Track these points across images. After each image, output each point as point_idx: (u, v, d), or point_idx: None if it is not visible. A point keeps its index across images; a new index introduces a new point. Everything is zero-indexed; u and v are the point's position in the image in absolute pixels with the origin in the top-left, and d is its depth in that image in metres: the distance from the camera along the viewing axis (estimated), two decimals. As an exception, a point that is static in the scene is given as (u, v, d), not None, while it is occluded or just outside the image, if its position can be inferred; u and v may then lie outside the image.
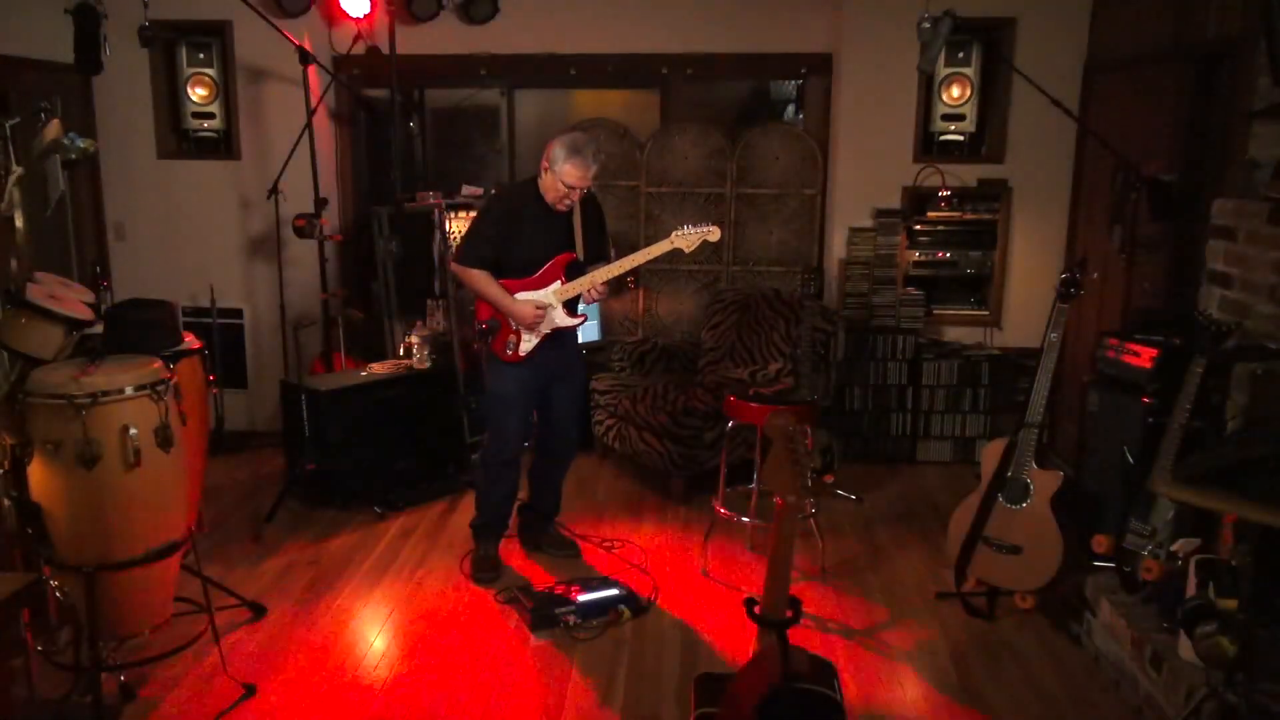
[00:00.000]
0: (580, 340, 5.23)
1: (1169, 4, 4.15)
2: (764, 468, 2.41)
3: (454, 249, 3.77)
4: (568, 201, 3.60)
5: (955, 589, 3.63)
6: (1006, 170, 5.14)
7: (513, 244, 3.66)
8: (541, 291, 3.68)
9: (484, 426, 3.93)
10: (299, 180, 4.81)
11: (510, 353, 3.71)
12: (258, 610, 3.53)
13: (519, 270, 3.68)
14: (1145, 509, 3.18)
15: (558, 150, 3.51)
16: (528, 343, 3.70)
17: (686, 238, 3.64)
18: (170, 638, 3.21)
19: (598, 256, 3.80)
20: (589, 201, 3.76)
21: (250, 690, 3.04)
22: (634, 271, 4.82)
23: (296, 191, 4.89)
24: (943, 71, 4.99)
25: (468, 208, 5.13)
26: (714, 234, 3.66)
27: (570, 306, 3.74)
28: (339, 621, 3.52)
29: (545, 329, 3.70)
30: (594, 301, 3.78)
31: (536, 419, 3.94)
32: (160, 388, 2.93)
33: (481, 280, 3.67)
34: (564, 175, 3.51)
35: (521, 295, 3.67)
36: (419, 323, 4.91)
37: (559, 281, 3.69)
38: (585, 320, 3.85)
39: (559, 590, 3.62)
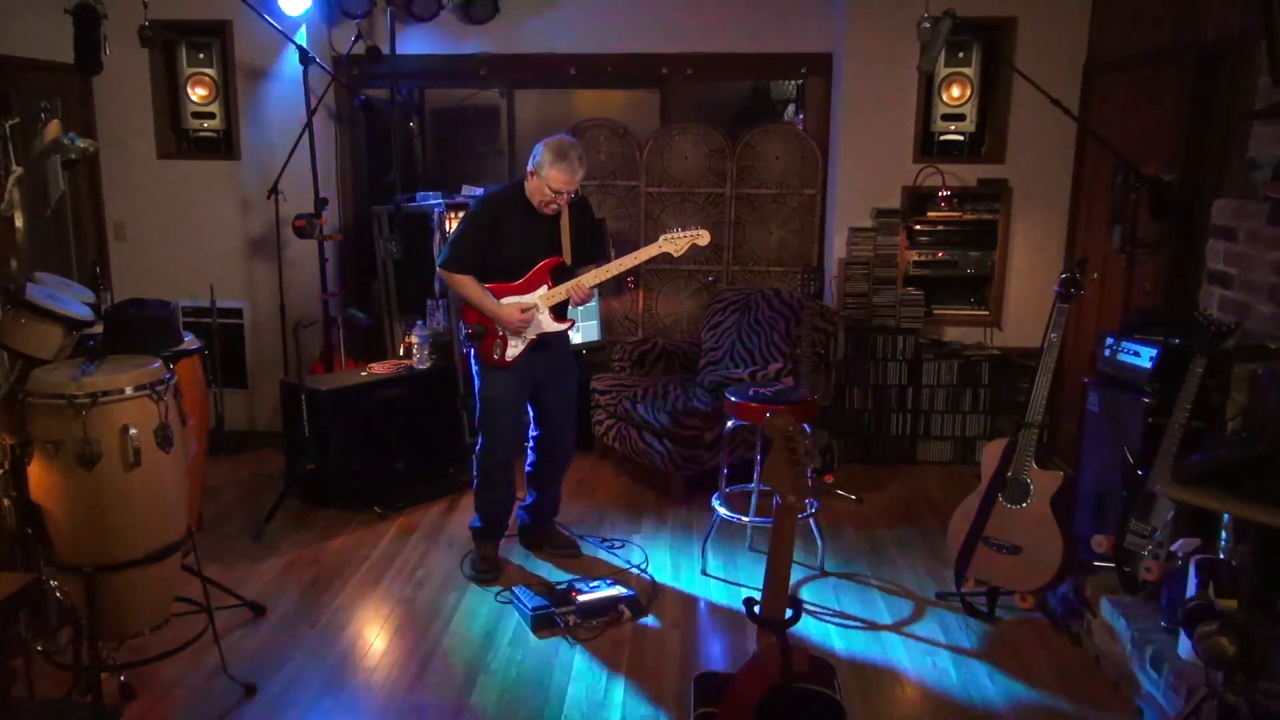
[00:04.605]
0: (580, 340, 5.26)
1: (1169, 4, 4.15)
2: (764, 468, 2.42)
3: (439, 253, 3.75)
4: (554, 206, 3.58)
5: (955, 589, 3.63)
6: (1006, 170, 5.14)
7: (499, 248, 3.64)
8: (527, 296, 3.67)
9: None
10: (299, 180, 4.81)
11: (497, 357, 3.69)
12: (258, 610, 3.53)
13: (505, 274, 3.66)
14: (1145, 509, 3.18)
15: (544, 155, 3.49)
16: (514, 348, 3.69)
17: (675, 241, 3.63)
18: (170, 638, 3.21)
19: (586, 260, 3.78)
20: (578, 204, 3.74)
21: (250, 690, 3.04)
22: (634, 271, 4.83)
23: (296, 191, 4.89)
24: (943, 71, 4.99)
25: (467, 208, 5.13)
26: (703, 238, 3.65)
27: (558, 311, 3.72)
28: (339, 621, 3.52)
29: (531, 334, 3.69)
30: (580, 305, 3.75)
31: (532, 421, 3.94)
32: (160, 388, 2.93)
33: (466, 285, 3.65)
34: (550, 180, 3.49)
35: (507, 300, 3.66)
36: (419, 323, 4.91)
37: (545, 286, 3.67)
38: (573, 325, 3.83)
39: (559, 590, 3.63)
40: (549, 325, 3.71)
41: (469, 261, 3.65)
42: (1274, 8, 3.02)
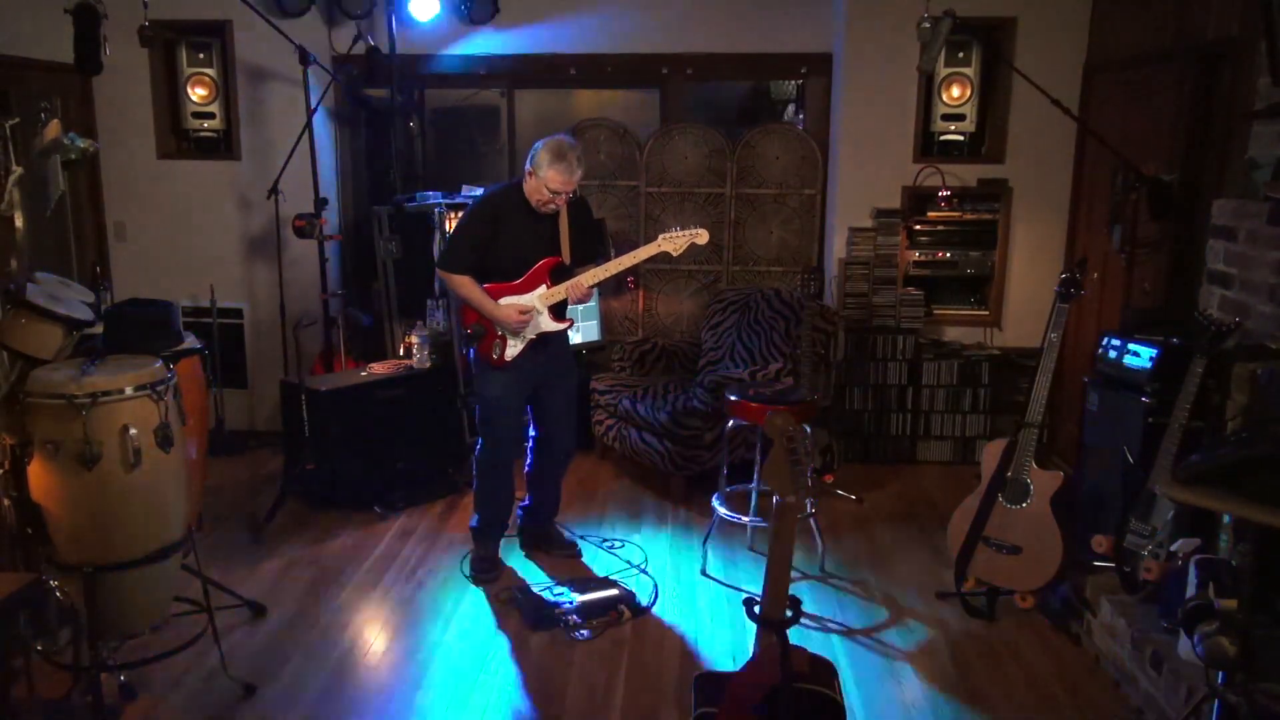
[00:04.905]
0: (580, 340, 5.26)
1: (1169, 4, 4.15)
2: (764, 468, 2.41)
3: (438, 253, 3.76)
4: (552, 206, 3.58)
5: (955, 589, 3.63)
6: (1006, 170, 5.14)
7: (498, 248, 3.64)
8: (526, 296, 3.67)
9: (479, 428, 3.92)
10: (299, 180, 4.81)
11: (496, 357, 3.69)
12: (258, 610, 3.53)
13: (504, 274, 3.66)
14: (1145, 509, 3.18)
15: (542, 155, 3.49)
16: (513, 348, 3.69)
17: (674, 240, 3.63)
18: (170, 638, 3.21)
19: (585, 259, 3.78)
20: (577, 204, 3.74)
21: (250, 690, 3.04)
22: (634, 271, 4.83)
23: (296, 191, 4.89)
24: (943, 71, 4.99)
25: (466, 208, 5.13)
26: (702, 236, 3.65)
27: (557, 311, 3.72)
28: (339, 621, 3.52)
29: (530, 334, 3.69)
30: (580, 304, 3.76)
31: (531, 421, 3.94)
32: (160, 388, 2.92)
33: (465, 285, 3.65)
34: (548, 180, 3.49)
35: (506, 300, 3.66)
36: (419, 323, 4.91)
37: (544, 286, 3.67)
38: (572, 324, 3.83)
39: (559, 590, 3.62)
40: (548, 325, 3.71)
41: (467, 261, 3.65)
42: (1274, 8, 3.02)
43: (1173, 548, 3.08)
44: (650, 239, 3.70)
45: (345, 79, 5.31)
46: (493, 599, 3.68)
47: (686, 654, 3.33)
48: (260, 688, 3.06)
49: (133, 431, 2.83)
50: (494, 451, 3.80)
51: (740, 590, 3.77)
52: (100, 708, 2.81)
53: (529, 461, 4.02)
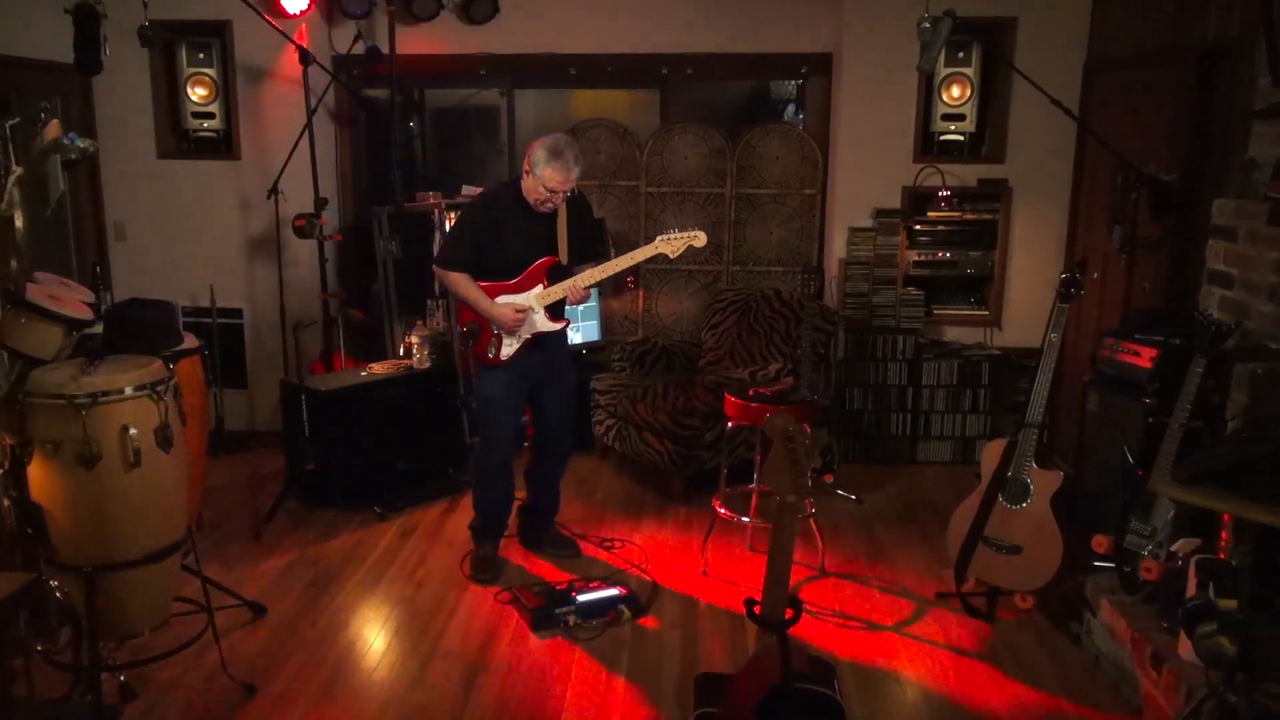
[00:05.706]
0: (580, 340, 5.26)
1: (1169, 4, 4.15)
2: (764, 468, 2.41)
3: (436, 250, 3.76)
4: (550, 204, 3.58)
5: (955, 589, 3.63)
6: (1006, 170, 5.14)
7: (495, 247, 3.64)
8: (523, 295, 3.67)
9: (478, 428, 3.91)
10: (299, 180, 4.81)
11: (492, 356, 3.69)
12: (258, 610, 3.53)
13: (501, 273, 3.66)
14: (1145, 509, 3.18)
15: (539, 153, 3.48)
16: (509, 347, 3.69)
17: (671, 242, 3.63)
18: (170, 638, 3.21)
19: (583, 259, 3.77)
20: (576, 203, 3.73)
21: (250, 690, 3.04)
22: (634, 271, 4.82)
23: (296, 191, 4.89)
24: (943, 71, 4.99)
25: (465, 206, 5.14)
26: (699, 239, 3.65)
27: (554, 310, 3.72)
28: (339, 621, 3.52)
29: (526, 333, 3.69)
30: (578, 304, 3.77)
31: (530, 420, 3.94)
32: (160, 388, 2.93)
33: (462, 283, 3.65)
34: (545, 179, 3.48)
35: (502, 299, 3.66)
36: (419, 323, 4.91)
37: (541, 285, 3.67)
38: (568, 324, 3.82)
39: (559, 590, 3.62)
40: (544, 325, 3.71)
41: (463, 259, 3.65)
42: (1274, 8, 3.02)
43: (1173, 548, 3.08)
44: (650, 239, 3.70)
45: (345, 79, 5.31)
46: (493, 599, 3.68)
47: (686, 654, 3.33)
48: (260, 688, 3.06)
49: (133, 431, 2.83)
50: (491, 451, 3.80)
51: (740, 590, 3.77)
52: (100, 708, 2.81)
53: (527, 461, 4.02)
